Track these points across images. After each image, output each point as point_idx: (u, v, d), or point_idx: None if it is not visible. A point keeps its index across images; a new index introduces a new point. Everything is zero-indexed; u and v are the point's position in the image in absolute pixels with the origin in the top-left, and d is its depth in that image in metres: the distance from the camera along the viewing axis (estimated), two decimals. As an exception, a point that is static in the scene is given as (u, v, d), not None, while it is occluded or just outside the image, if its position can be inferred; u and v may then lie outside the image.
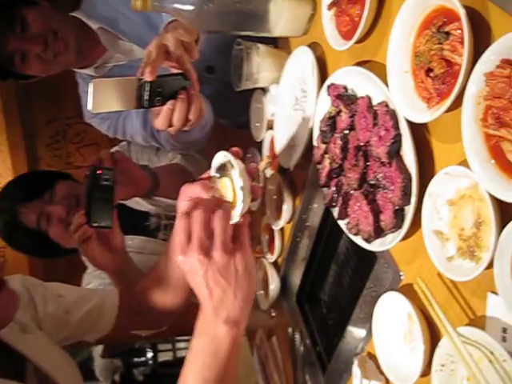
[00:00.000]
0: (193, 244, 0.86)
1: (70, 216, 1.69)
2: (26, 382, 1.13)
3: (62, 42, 1.58)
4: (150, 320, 1.40)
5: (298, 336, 1.33)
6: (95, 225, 1.33)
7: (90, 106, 1.09)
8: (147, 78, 1.10)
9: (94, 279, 1.82)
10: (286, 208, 1.28)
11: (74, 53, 1.61)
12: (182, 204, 1.07)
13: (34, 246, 1.82)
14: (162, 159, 1.88)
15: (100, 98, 1.09)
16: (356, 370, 0.96)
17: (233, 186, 0.94)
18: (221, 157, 0.98)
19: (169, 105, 1.16)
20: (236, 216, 0.95)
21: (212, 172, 1.00)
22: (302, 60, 1.18)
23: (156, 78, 1.11)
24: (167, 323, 1.46)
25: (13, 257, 2.67)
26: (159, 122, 1.19)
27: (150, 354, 6.01)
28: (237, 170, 0.93)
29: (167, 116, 1.17)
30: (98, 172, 1.30)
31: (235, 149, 0.99)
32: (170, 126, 1.20)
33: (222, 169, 0.97)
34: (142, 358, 6.03)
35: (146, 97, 1.12)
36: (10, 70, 1.60)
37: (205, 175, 1.05)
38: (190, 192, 1.03)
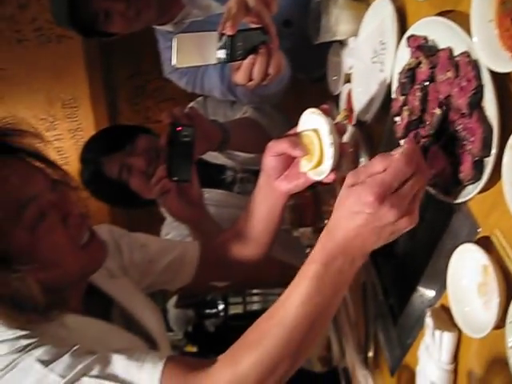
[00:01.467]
0: (400, 200, 0.79)
1: (150, 168, 1.76)
2: (112, 323, 1.20)
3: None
4: (228, 272, 1.44)
5: (370, 288, 1.34)
6: (175, 179, 1.38)
7: (174, 61, 1.13)
8: (228, 32, 1.12)
9: (173, 230, 1.89)
10: (363, 161, 1.29)
11: (154, 10, 1.64)
12: (268, 160, 1.10)
13: (115, 196, 1.91)
14: (236, 113, 1.91)
15: (183, 53, 1.13)
16: (429, 320, 0.97)
17: (320, 143, 0.95)
18: (309, 113, 0.99)
19: (249, 59, 1.18)
20: (324, 173, 0.96)
21: (299, 128, 1.01)
22: (381, 11, 1.16)
23: (236, 32, 1.13)
24: (245, 276, 1.50)
25: (95, 208, 2.79)
26: (239, 77, 1.22)
27: (221, 306, 6.20)
28: (326, 126, 0.93)
29: (247, 70, 1.20)
30: (178, 129, 1.35)
31: (325, 106, 1.00)
32: (250, 80, 1.22)
33: (310, 125, 0.99)
34: (214, 310, 6.23)
35: (228, 51, 1.14)
36: (95, 29, 1.65)
37: (292, 131, 1.06)
38: (276, 148, 1.05)
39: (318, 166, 0.97)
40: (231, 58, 1.16)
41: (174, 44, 1.12)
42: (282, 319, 0.88)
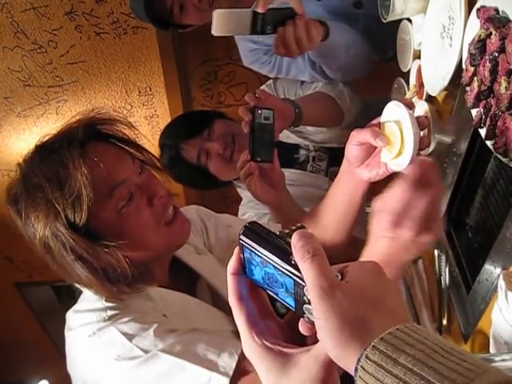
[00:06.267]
0: (412, 221, 0.89)
1: (227, 152, 1.84)
2: (196, 296, 1.28)
3: None
4: None
5: (443, 258, 1.37)
6: (258, 159, 1.43)
7: (212, 31, 1.38)
8: (259, 10, 1.34)
9: (249, 210, 1.97)
10: (433, 135, 1.31)
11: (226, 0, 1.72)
12: (351, 148, 1.13)
13: (194, 179, 2.00)
14: (306, 92, 1.96)
15: (220, 25, 1.36)
16: (501, 283, 1.00)
17: (401, 135, 0.99)
18: (393, 106, 1.02)
19: (279, 30, 1.40)
20: (403, 165, 1.00)
21: (382, 119, 1.05)
22: (449, -13, 1.18)
23: (268, 10, 1.36)
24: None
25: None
26: (276, 47, 1.43)
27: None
28: (409, 120, 0.96)
29: (280, 40, 1.40)
30: (259, 112, 1.41)
31: (408, 100, 1.04)
32: (289, 51, 1.42)
33: (393, 116, 1.02)
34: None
35: (259, 26, 1.38)
36: (171, 21, 1.76)
37: (374, 121, 1.10)
38: (359, 137, 1.08)
39: (397, 156, 1.00)
40: (262, 31, 1.40)
41: (214, 17, 1.34)
42: None
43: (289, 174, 1.92)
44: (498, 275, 1.04)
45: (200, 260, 1.34)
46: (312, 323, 0.59)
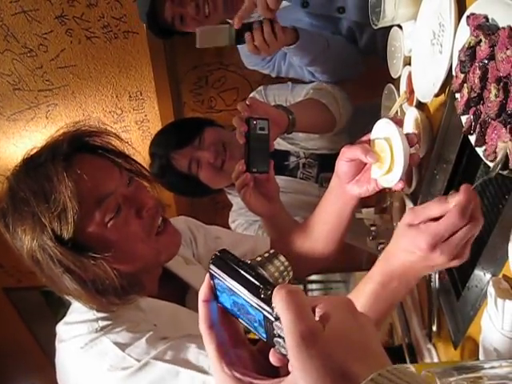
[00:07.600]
0: (451, 248, 0.89)
1: (218, 161, 1.85)
2: (186, 306, 1.27)
3: (211, 3, 1.82)
4: (299, 268, 1.48)
5: (433, 264, 1.37)
6: (254, 170, 1.43)
7: (196, 44, 1.63)
8: (234, 26, 1.59)
9: (239, 216, 1.98)
10: (424, 141, 1.32)
11: (221, 10, 1.83)
12: (341, 164, 1.15)
13: (185, 188, 2.00)
14: (296, 98, 1.97)
15: (203, 39, 1.62)
16: (491, 290, 1.00)
17: (391, 152, 1.00)
18: (383, 123, 1.03)
19: (247, 35, 1.60)
20: (393, 181, 1.00)
21: (372, 136, 1.06)
22: (439, -7, 1.19)
23: (243, 25, 1.59)
24: (315, 270, 1.56)
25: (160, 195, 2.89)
26: (248, 48, 1.64)
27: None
28: (399, 137, 0.97)
29: (250, 42, 1.61)
30: (254, 123, 1.40)
31: (398, 118, 1.05)
32: (261, 50, 1.63)
33: (383, 133, 1.03)
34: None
35: (235, 38, 1.63)
36: (173, 30, 1.90)
37: (365, 138, 1.11)
38: (349, 154, 1.11)
39: (388, 173, 1.01)
40: (238, 42, 1.65)
41: (197, 33, 1.61)
42: None
43: (279, 181, 1.89)
44: (488, 282, 1.04)
45: (189, 270, 1.35)
46: (283, 355, 0.56)
